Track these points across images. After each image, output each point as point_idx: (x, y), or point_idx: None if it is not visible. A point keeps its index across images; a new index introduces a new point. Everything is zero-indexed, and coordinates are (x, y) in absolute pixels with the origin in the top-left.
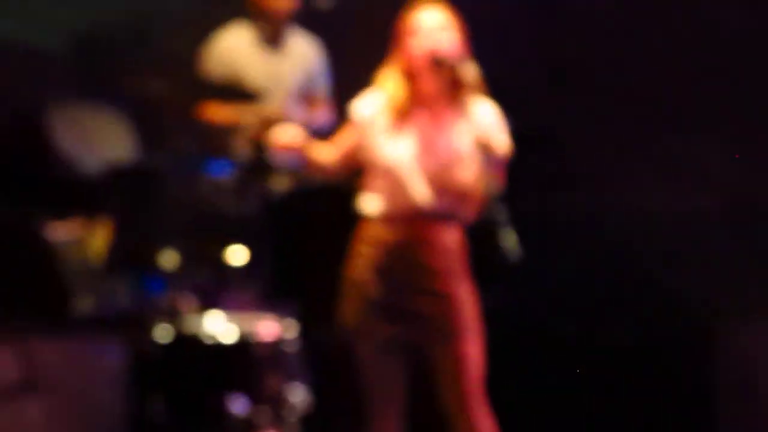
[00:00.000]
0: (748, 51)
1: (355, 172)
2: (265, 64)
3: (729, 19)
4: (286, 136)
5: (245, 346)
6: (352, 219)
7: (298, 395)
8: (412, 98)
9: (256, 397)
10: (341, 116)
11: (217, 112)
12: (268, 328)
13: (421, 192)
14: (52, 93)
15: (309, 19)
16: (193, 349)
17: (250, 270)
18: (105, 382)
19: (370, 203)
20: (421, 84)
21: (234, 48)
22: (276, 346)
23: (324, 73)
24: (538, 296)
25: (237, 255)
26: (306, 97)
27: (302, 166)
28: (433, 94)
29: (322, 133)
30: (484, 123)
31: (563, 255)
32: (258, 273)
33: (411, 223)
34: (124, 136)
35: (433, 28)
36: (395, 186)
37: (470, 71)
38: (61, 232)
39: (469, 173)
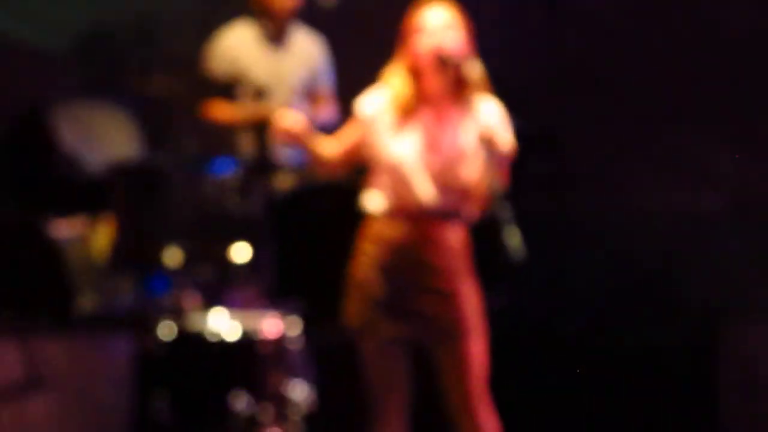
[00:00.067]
0: (751, 50)
1: (358, 170)
2: (268, 61)
3: (731, 19)
4: (288, 120)
5: (249, 343)
6: (356, 217)
7: (301, 393)
8: (417, 96)
9: (260, 395)
10: (345, 113)
11: (221, 111)
12: (272, 326)
13: (425, 190)
14: (56, 92)
15: (313, 17)
16: (197, 346)
17: (254, 268)
18: (109, 379)
19: (374, 201)
20: (425, 82)
21: (237, 46)
22: (280, 344)
23: (328, 70)
24: (542, 295)
25: (241, 253)
26: (310, 94)
27: (304, 161)
28: (438, 92)
29: (326, 130)
30: (488, 121)
31: (567, 254)
32: (262, 271)
33: (415, 221)
34: (128, 135)
35: (439, 27)
36: (399, 184)
37: (475, 70)
38: (65, 230)
39: (474, 171)
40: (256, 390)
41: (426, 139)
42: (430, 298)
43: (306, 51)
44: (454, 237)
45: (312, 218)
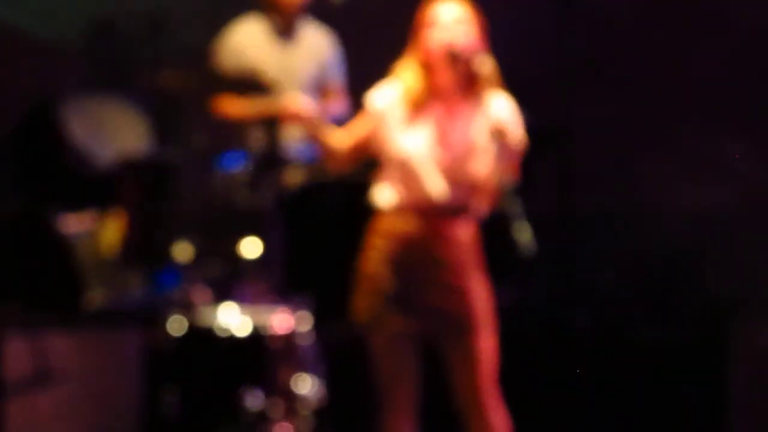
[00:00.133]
0: (765, 46)
1: (367, 164)
2: (278, 56)
3: (745, 15)
4: (297, 104)
5: (259, 338)
6: (365, 212)
7: (311, 388)
8: (428, 91)
9: (270, 390)
10: (355, 107)
11: (231, 105)
12: (282, 320)
13: (435, 185)
14: (66, 86)
15: (323, 11)
16: (207, 341)
17: (264, 263)
18: (119, 374)
19: (385, 196)
20: (437, 77)
21: (247, 41)
22: (289, 339)
23: (338, 64)
24: (552, 290)
25: (251, 248)
26: (320, 88)
27: (314, 156)
28: (449, 87)
29: (337, 125)
30: (499, 116)
31: (577, 249)
32: (271, 266)
33: (425, 216)
34: (138, 130)
35: (451, 22)
36: (410, 178)
37: (486, 65)
38: (74, 224)
39: (484, 166)
40: (266, 385)
41: (437, 133)
42: (440, 293)
43: (315, 45)
44: (464, 232)
45: (322, 213)
